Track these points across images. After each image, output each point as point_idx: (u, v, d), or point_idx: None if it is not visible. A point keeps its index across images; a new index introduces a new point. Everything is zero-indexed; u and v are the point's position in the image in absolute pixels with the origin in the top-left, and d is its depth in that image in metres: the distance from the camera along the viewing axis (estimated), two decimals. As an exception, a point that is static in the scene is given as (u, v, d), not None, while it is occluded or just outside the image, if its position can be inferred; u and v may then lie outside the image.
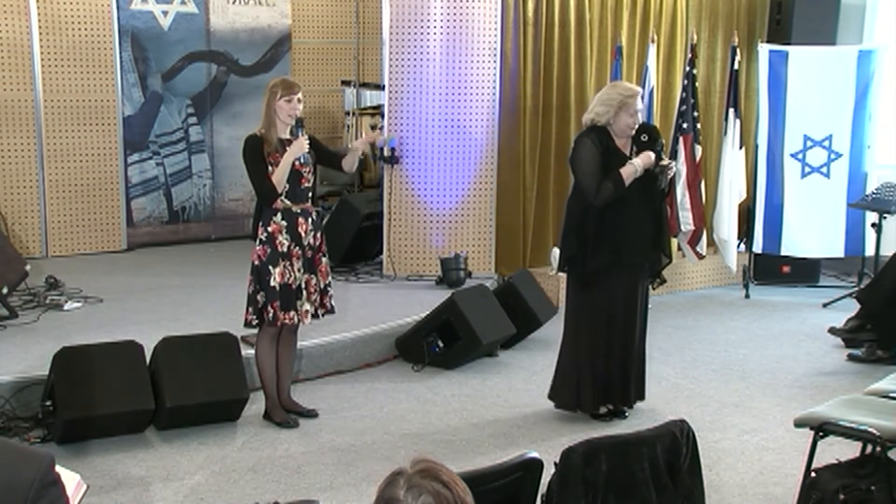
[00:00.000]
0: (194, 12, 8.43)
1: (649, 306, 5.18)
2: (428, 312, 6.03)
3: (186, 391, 4.78)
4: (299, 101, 4.72)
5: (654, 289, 5.15)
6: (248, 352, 5.27)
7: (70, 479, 2.69)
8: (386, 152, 7.34)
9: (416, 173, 7.34)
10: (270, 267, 4.68)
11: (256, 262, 4.73)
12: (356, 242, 7.61)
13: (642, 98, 4.93)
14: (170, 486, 4.23)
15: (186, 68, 8.45)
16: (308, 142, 4.72)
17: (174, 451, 4.61)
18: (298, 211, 4.75)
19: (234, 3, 8.63)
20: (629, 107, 4.76)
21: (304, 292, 4.78)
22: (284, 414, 4.94)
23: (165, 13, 8.28)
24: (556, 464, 2.88)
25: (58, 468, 1.81)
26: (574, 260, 4.94)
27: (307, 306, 4.80)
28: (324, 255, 4.89)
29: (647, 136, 4.87)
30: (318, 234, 4.85)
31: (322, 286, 4.88)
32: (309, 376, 5.37)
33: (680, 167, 7.33)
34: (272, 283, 4.68)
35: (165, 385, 4.72)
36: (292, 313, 4.74)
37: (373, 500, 1.70)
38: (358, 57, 9.06)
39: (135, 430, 4.75)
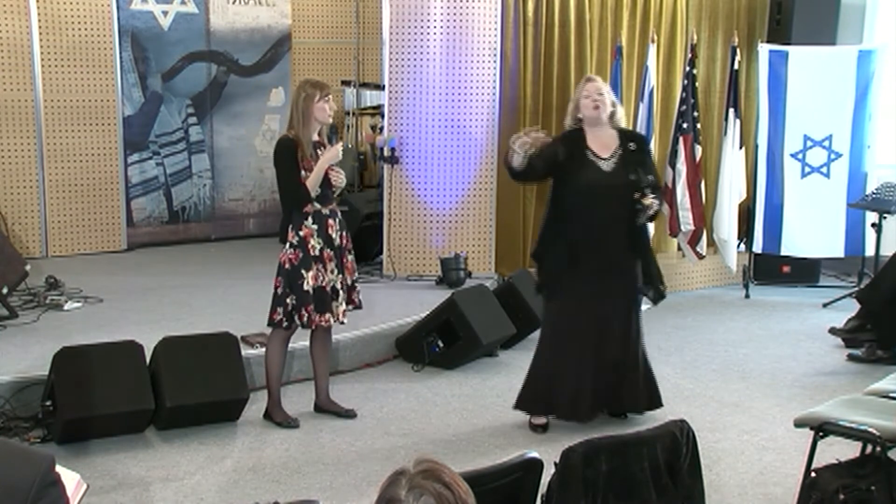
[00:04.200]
0: (194, 12, 8.43)
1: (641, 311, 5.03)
2: (428, 312, 6.03)
3: (186, 391, 4.78)
4: (333, 100, 4.81)
5: (654, 304, 5.03)
6: (248, 352, 5.28)
7: (70, 479, 2.69)
8: (386, 152, 7.34)
9: (416, 173, 7.33)
10: (303, 271, 4.70)
11: (287, 266, 4.73)
12: (356, 242, 7.44)
13: (606, 83, 4.88)
14: (170, 486, 4.23)
15: (186, 68, 8.45)
16: (342, 149, 4.80)
17: (174, 451, 4.61)
18: (327, 213, 4.78)
19: (234, 3, 8.63)
20: (581, 93, 4.79)
21: (340, 292, 4.81)
22: (285, 414, 4.95)
23: (165, 13, 8.28)
24: (556, 464, 2.88)
25: (58, 468, 1.81)
26: (538, 259, 4.92)
27: (343, 306, 4.83)
28: (350, 253, 4.93)
29: (634, 145, 4.81)
30: (345, 233, 4.89)
31: (350, 283, 4.91)
32: (309, 376, 5.36)
33: (680, 167, 7.33)
34: (305, 287, 4.69)
35: (165, 385, 4.72)
36: (328, 315, 4.77)
37: (374, 501, 1.70)
38: (358, 57, 9.05)
39: (135, 430, 4.75)
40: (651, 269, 4.92)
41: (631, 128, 7.29)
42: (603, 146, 4.77)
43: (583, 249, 4.72)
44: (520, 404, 4.97)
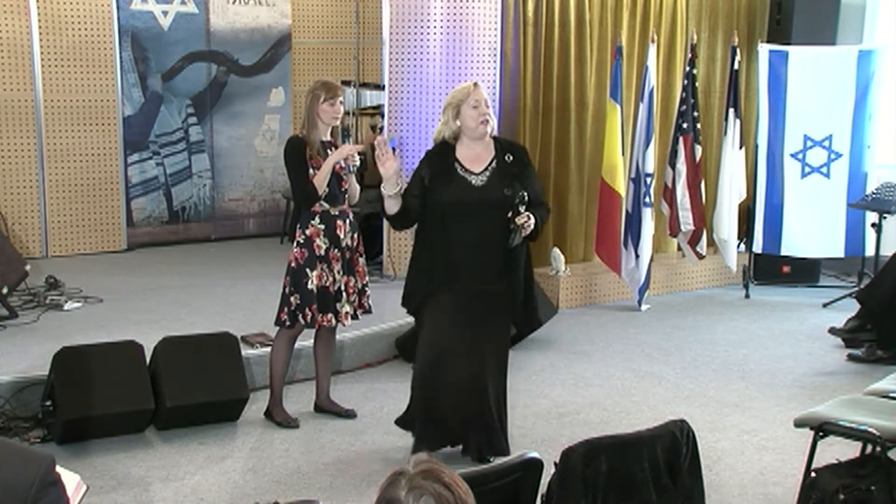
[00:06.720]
0: (194, 12, 8.43)
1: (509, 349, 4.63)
2: (428, 312, 6.01)
3: (186, 391, 4.79)
4: (341, 103, 4.78)
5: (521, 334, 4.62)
6: (248, 352, 5.28)
7: (70, 480, 2.70)
8: (386, 152, 7.33)
9: (416, 173, 7.32)
10: (308, 270, 4.71)
11: (293, 265, 4.75)
12: (356, 242, 7.60)
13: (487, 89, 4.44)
14: (170, 486, 4.23)
15: (186, 68, 8.45)
16: (358, 154, 4.78)
17: (174, 451, 4.61)
18: (336, 213, 4.78)
19: (234, 3, 8.63)
20: (468, 100, 4.26)
21: (344, 294, 4.81)
22: (285, 413, 4.95)
23: (165, 13, 8.28)
24: (556, 464, 2.88)
25: (58, 468, 1.81)
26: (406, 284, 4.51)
27: (347, 308, 4.82)
28: (361, 256, 4.92)
29: (511, 156, 4.35)
30: (355, 235, 4.88)
31: (360, 286, 4.91)
32: (309, 376, 5.37)
33: (680, 167, 7.34)
34: (309, 286, 4.70)
35: (165, 385, 4.73)
36: (330, 315, 4.77)
37: (374, 501, 1.70)
38: (358, 57, 9.05)
39: (135, 430, 4.75)
40: (525, 295, 4.42)
41: (631, 128, 7.33)
42: (475, 158, 4.30)
43: (450, 271, 4.25)
44: (407, 425, 4.57)
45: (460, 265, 4.25)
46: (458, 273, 4.26)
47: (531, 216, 4.18)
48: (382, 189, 4.24)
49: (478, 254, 4.25)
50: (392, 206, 4.26)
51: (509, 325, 4.53)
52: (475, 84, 4.37)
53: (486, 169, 4.30)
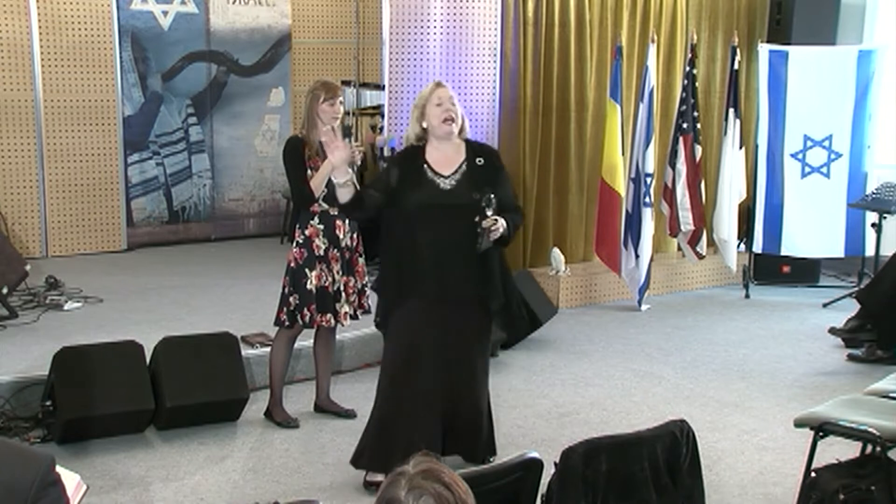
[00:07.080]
0: (194, 12, 8.43)
1: (495, 350, 4.50)
2: (428, 312, 6.01)
3: (186, 391, 4.78)
4: (341, 103, 4.78)
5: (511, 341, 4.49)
6: (248, 352, 5.28)
7: (70, 480, 2.70)
8: (386, 152, 7.34)
9: (416, 173, 7.31)
10: (307, 270, 4.71)
11: (292, 265, 4.75)
12: (356, 242, 7.59)
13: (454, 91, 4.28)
14: (170, 486, 4.23)
15: (186, 68, 8.45)
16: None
17: (174, 451, 4.61)
18: (336, 213, 4.75)
19: (234, 3, 8.63)
20: (431, 99, 4.17)
21: (343, 294, 4.81)
22: (285, 413, 4.95)
23: (165, 13, 8.28)
24: (556, 464, 2.88)
25: (58, 468, 1.81)
26: (376, 290, 4.40)
27: (346, 308, 4.83)
28: (360, 256, 4.91)
29: (482, 160, 4.21)
30: (355, 235, 4.87)
31: (359, 287, 4.91)
32: (309, 376, 5.37)
33: (680, 167, 7.34)
34: (308, 287, 4.70)
35: (165, 385, 4.73)
36: (329, 315, 4.77)
37: (373, 501, 1.70)
38: (358, 57, 9.06)
39: (135, 430, 4.75)
40: (506, 299, 4.30)
41: (631, 128, 7.33)
42: (445, 161, 4.18)
43: (418, 278, 4.12)
44: (358, 461, 4.28)
45: (430, 270, 4.11)
46: (428, 278, 4.11)
47: (499, 219, 4.03)
48: (332, 177, 4.18)
49: (447, 259, 4.10)
50: (343, 195, 4.14)
51: (487, 331, 4.36)
52: (438, 83, 4.29)
53: (455, 172, 4.17)
